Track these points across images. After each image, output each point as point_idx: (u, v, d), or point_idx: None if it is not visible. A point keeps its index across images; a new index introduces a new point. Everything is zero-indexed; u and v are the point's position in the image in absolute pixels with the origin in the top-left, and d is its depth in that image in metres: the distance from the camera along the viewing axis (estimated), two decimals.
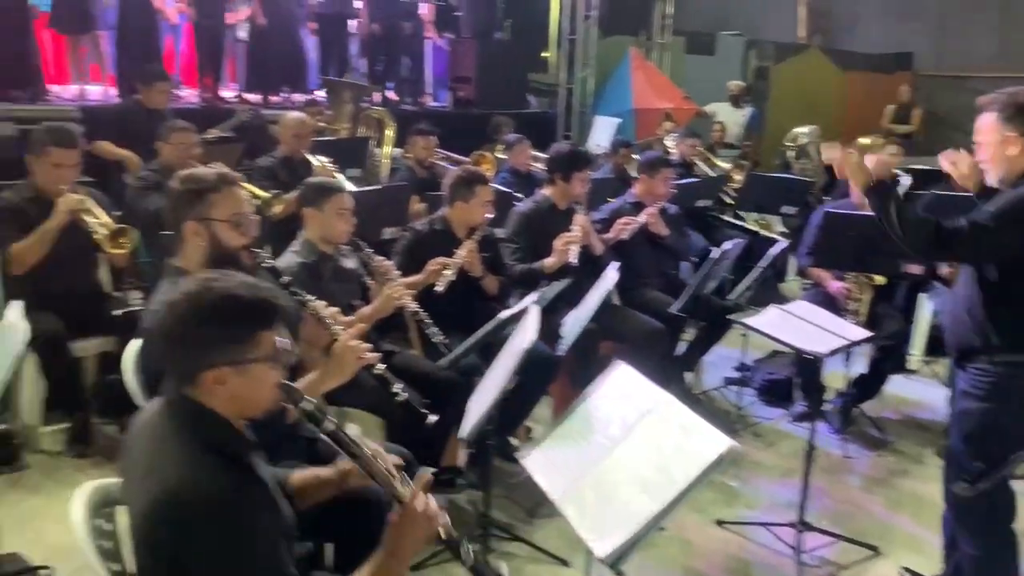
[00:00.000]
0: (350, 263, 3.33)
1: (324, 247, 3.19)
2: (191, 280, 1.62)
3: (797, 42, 12.30)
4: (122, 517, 1.70)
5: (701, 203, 6.08)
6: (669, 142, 7.34)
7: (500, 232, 4.05)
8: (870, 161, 3.97)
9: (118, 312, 3.71)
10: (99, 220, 3.58)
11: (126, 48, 6.99)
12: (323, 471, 2.00)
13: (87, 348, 3.75)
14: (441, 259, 3.52)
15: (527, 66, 9.92)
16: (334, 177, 4.36)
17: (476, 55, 9.00)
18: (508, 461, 3.58)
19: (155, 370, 2.28)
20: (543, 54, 10.42)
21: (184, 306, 1.56)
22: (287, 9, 7.90)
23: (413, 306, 3.23)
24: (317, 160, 4.79)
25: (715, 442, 1.81)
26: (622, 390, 2.06)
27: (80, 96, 6.93)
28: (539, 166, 5.95)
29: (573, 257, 3.83)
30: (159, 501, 1.47)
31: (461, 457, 3.49)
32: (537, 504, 3.42)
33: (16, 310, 2.33)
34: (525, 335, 2.35)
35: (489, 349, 3.09)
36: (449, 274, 3.49)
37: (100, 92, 7.26)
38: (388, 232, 4.44)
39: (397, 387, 2.52)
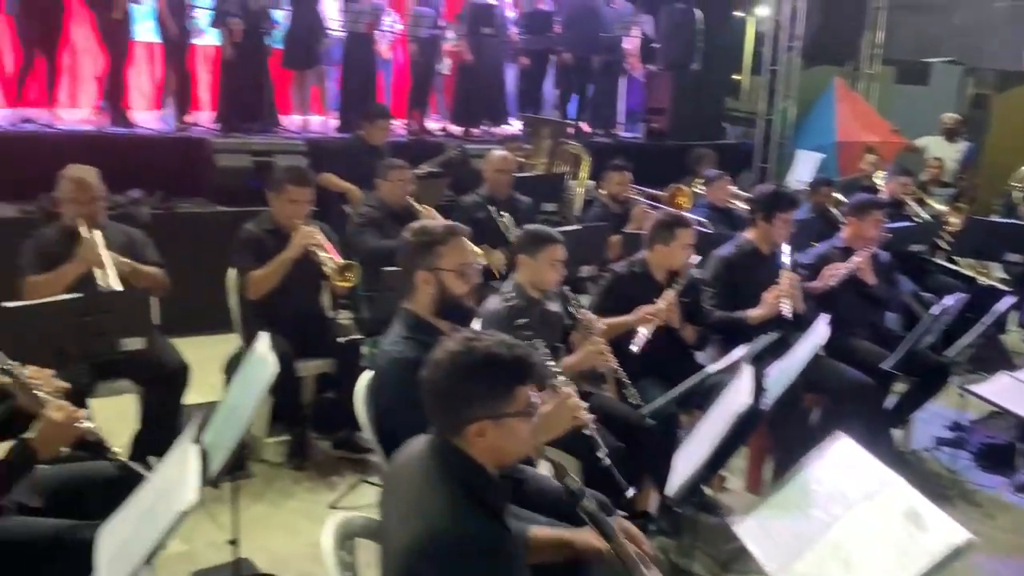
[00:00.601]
0: (555, 306, 3.41)
1: (533, 292, 3.27)
2: (453, 339, 1.75)
3: (1022, 70, 11.33)
4: (363, 552, 1.84)
5: (914, 248, 5.72)
6: (878, 180, 6.96)
7: (698, 272, 4.01)
8: None
9: (341, 339, 3.98)
10: (329, 255, 3.88)
11: (349, 84, 7.58)
12: (567, 534, 2.06)
13: (308, 368, 4.04)
14: (646, 309, 3.53)
15: (722, 95, 9.79)
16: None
17: (671, 86, 8.98)
18: (703, 511, 3.52)
19: (385, 407, 2.46)
20: (734, 76, 10.24)
21: (449, 364, 1.70)
22: (492, 45, 8.24)
23: (613, 363, 3.26)
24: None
25: (950, 532, 1.71)
26: (844, 465, 1.98)
27: (304, 127, 7.56)
28: (739, 203, 5.84)
29: (787, 312, 3.72)
30: (424, 539, 1.59)
31: (653, 502, 3.47)
32: (731, 558, 3.34)
33: (265, 342, 2.56)
34: (739, 397, 2.31)
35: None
36: (646, 333, 3.48)
37: (320, 123, 7.88)
38: (585, 270, 4.51)
39: (602, 452, 2.56)
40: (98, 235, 3.50)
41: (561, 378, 2.61)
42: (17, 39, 6.68)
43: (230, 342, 4.25)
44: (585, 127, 8.81)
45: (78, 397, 3.33)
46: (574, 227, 4.72)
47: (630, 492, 2.57)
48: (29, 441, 2.15)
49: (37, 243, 3.62)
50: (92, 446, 2.22)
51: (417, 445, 1.81)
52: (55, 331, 3.03)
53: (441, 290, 2.50)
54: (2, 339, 2.90)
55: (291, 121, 7.62)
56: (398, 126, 8.23)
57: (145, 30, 7.42)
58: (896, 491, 1.86)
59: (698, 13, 8.97)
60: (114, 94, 6.71)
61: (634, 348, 3.44)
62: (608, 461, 2.56)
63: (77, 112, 6.95)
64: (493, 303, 3.20)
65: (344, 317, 4.40)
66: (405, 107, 8.34)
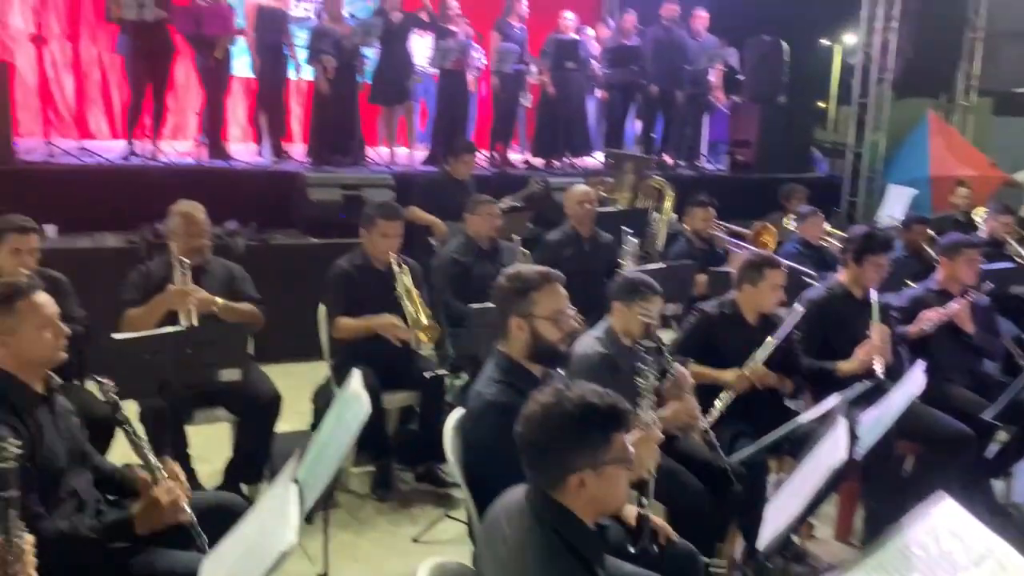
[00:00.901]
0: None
1: (625, 340, 3.25)
2: (544, 393, 1.78)
3: None
4: None
5: (1016, 290, 5.47)
6: (978, 217, 6.71)
7: (783, 312, 3.93)
8: None
9: (427, 373, 4.04)
10: (414, 309, 3.97)
11: (439, 118, 7.77)
12: None
13: (393, 400, 4.12)
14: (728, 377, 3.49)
15: (809, 127, 9.62)
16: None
17: (757, 118, 8.88)
18: (792, 562, 3.44)
19: (475, 450, 2.48)
20: (820, 104, 10.05)
21: (544, 418, 1.72)
22: (575, 79, 8.31)
23: (704, 424, 3.21)
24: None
25: None
26: (947, 529, 1.90)
27: (391, 160, 7.75)
28: (832, 241, 5.71)
29: (879, 370, 3.60)
30: None
31: (738, 549, 3.41)
32: None
33: (358, 379, 2.63)
34: (835, 452, 2.25)
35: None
36: (720, 406, 3.43)
37: (407, 156, 8.07)
38: (670, 308, 4.47)
39: (645, 501, 2.53)
40: (188, 279, 3.63)
41: (652, 418, 2.59)
42: (126, 77, 7.07)
43: (318, 370, 4.36)
44: (669, 160, 8.77)
45: (176, 424, 3.50)
46: (659, 265, 4.69)
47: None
48: (131, 516, 2.36)
49: (140, 276, 3.79)
50: (185, 529, 2.38)
51: (513, 497, 1.82)
52: (159, 362, 3.17)
53: (535, 336, 2.50)
54: (111, 369, 3.07)
55: (379, 154, 7.83)
56: (481, 158, 8.37)
57: (242, 65, 7.77)
58: (1007, 560, 1.78)
59: (784, 45, 8.86)
60: (212, 129, 7.04)
61: (706, 423, 3.34)
62: (647, 512, 2.53)
63: (178, 145, 7.27)
64: (584, 346, 3.19)
65: (427, 348, 4.46)
66: (488, 140, 8.46)
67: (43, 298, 2.50)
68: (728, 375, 3.52)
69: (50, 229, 5.47)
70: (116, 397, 2.51)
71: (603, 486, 1.71)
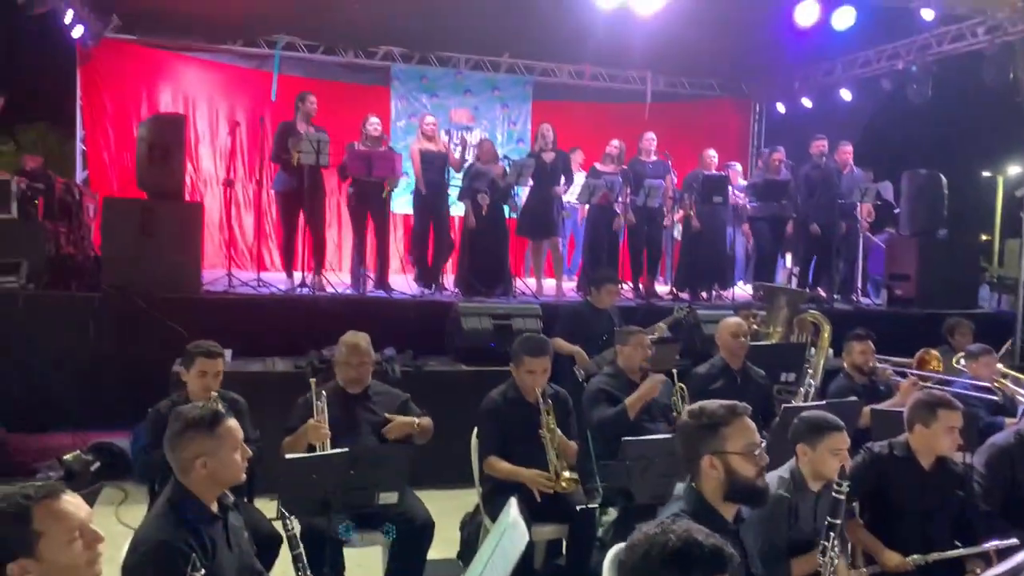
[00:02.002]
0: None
1: (814, 484, 3.10)
2: (652, 525, 1.77)
3: None
4: None
5: None
6: None
7: (960, 457, 3.66)
8: None
9: (579, 506, 3.99)
10: (559, 461, 3.96)
11: (586, 251, 7.99)
12: None
13: (541, 533, 4.05)
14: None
15: (974, 260, 9.18)
16: None
17: (916, 251, 8.58)
18: None
19: None
20: (984, 237, 9.59)
21: (646, 549, 1.71)
22: (722, 213, 8.37)
23: None
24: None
25: None
26: None
27: (538, 291, 7.96)
28: (1005, 382, 5.32)
29: None
30: None
31: None
32: None
33: (515, 508, 2.63)
34: None
35: None
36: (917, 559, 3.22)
37: (553, 287, 8.26)
38: None
39: None
40: (325, 415, 3.79)
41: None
42: (283, 213, 7.72)
43: (466, 498, 4.39)
44: (823, 294, 8.56)
45: (336, 545, 3.59)
46: (820, 403, 4.51)
47: None
48: None
49: (302, 407, 3.97)
50: None
51: None
52: (323, 482, 3.30)
53: (729, 473, 2.40)
54: (280, 487, 3.22)
55: (527, 285, 8.07)
56: (627, 290, 8.45)
57: (402, 203, 8.32)
58: None
59: (942, 177, 8.63)
60: (373, 262, 7.51)
61: None
62: None
63: (343, 277, 7.78)
64: (772, 482, 3.01)
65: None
66: (631, 272, 8.55)
67: (234, 422, 2.66)
68: (889, 559, 3.30)
69: (226, 353, 5.89)
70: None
71: None
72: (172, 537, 2.43)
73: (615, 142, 8.42)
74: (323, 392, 3.88)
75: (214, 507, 2.61)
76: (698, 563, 1.69)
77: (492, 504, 3.97)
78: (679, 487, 2.52)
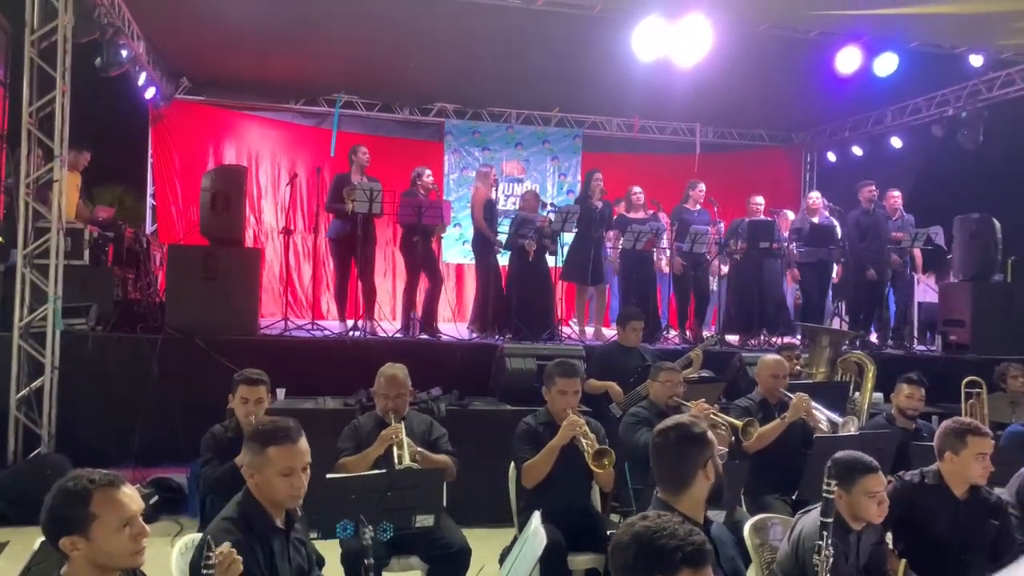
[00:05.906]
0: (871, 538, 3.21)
1: (854, 524, 3.09)
2: (636, 518, 1.90)
3: None
4: None
5: None
6: None
7: (1000, 492, 3.61)
8: None
9: (612, 534, 4.03)
10: (589, 441, 4.05)
11: (627, 296, 8.09)
12: None
13: (579, 562, 4.09)
14: None
15: None
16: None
17: (970, 297, 8.44)
18: None
19: None
20: None
21: (627, 542, 1.84)
22: (768, 258, 8.40)
23: None
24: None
25: None
26: None
27: (581, 334, 8.06)
28: None
29: None
30: None
31: None
32: None
33: (537, 518, 2.73)
34: None
35: None
36: None
37: (592, 332, 8.34)
38: None
39: None
40: (400, 426, 4.00)
41: None
42: (336, 260, 8.02)
43: (506, 536, 4.45)
44: (875, 340, 8.47)
45: (377, 569, 3.69)
46: (852, 434, 4.49)
47: None
48: None
49: (352, 430, 4.21)
50: None
51: None
52: (362, 502, 3.42)
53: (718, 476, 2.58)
54: (317, 507, 3.36)
55: (572, 329, 8.19)
56: (674, 336, 8.48)
57: (456, 253, 8.57)
58: None
59: (995, 222, 8.52)
60: (422, 308, 7.72)
61: None
62: None
63: (395, 323, 8.01)
64: (812, 522, 2.99)
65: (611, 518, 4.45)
66: (676, 318, 8.62)
67: (289, 448, 2.74)
68: None
69: (280, 393, 6.12)
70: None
71: None
72: (233, 534, 2.57)
73: (636, 189, 8.62)
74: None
75: (279, 522, 2.75)
76: (671, 553, 1.81)
77: (525, 518, 4.05)
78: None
